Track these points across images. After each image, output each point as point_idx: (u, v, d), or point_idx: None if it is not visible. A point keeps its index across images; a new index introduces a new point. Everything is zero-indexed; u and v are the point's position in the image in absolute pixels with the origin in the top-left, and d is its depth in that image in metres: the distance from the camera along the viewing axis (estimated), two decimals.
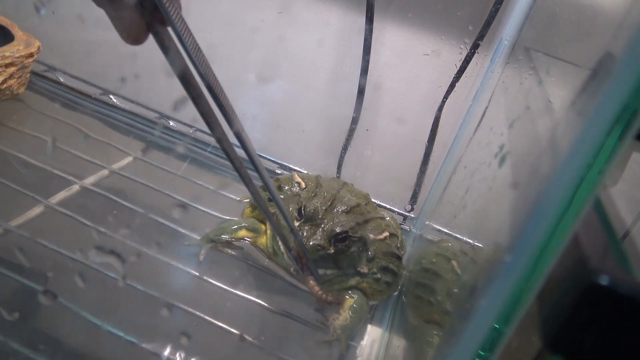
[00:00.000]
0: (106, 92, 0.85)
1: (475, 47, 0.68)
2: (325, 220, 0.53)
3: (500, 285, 0.22)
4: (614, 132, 0.19)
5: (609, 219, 0.23)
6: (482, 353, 0.24)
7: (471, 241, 0.44)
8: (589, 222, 0.23)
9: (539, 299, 0.22)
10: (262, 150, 0.84)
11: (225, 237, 0.60)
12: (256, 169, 0.44)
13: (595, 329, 0.19)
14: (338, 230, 0.53)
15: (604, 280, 0.18)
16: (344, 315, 0.55)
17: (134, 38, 0.32)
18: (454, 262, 0.53)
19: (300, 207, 0.54)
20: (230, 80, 0.83)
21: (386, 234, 0.59)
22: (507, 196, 0.32)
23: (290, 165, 0.83)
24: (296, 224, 0.54)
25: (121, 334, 0.48)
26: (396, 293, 0.62)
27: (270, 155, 0.83)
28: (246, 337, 0.52)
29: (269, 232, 0.59)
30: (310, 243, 0.52)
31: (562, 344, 0.19)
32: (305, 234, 0.52)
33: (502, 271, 0.22)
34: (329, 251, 0.52)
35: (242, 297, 0.56)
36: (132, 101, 0.84)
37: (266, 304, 0.56)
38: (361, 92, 0.75)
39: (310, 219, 0.53)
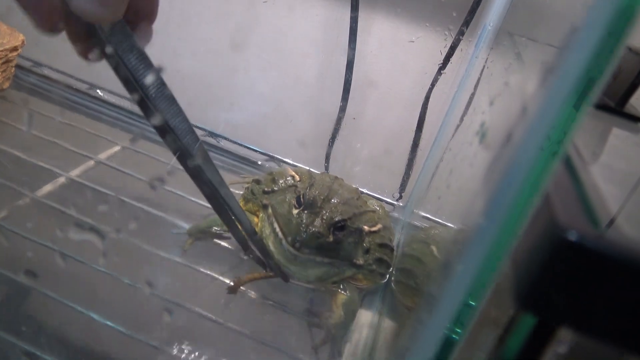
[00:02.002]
0: (93, 86, 0.84)
1: (460, 33, 0.68)
2: (324, 210, 0.53)
3: (475, 250, 0.22)
4: (573, 101, 0.19)
5: (581, 183, 0.23)
6: (458, 330, 0.24)
7: (453, 225, 0.44)
8: (560, 186, 0.23)
9: (513, 262, 0.22)
10: (249, 142, 0.84)
11: (216, 229, 0.60)
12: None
13: (565, 285, 0.19)
14: (337, 218, 0.53)
15: (572, 236, 0.19)
16: (337, 313, 0.55)
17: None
18: (433, 247, 0.54)
19: (299, 196, 0.54)
20: (219, 73, 0.83)
21: (380, 226, 0.59)
22: (485, 171, 0.32)
23: (278, 156, 0.83)
24: (295, 212, 0.54)
25: (109, 323, 0.48)
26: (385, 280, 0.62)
27: (257, 146, 0.83)
28: (241, 330, 0.52)
29: (260, 224, 0.59)
30: (311, 230, 0.52)
31: (533, 302, 0.20)
32: (304, 221, 0.53)
33: (476, 236, 0.22)
34: (328, 239, 0.52)
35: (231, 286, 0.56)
36: (119, 95, 0.83)
37: (260, 297, 0.56)
38: (348, 81, 0.75)
39: (309, 207, 0.53)
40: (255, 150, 0.83)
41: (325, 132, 0.81)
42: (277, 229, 0.55)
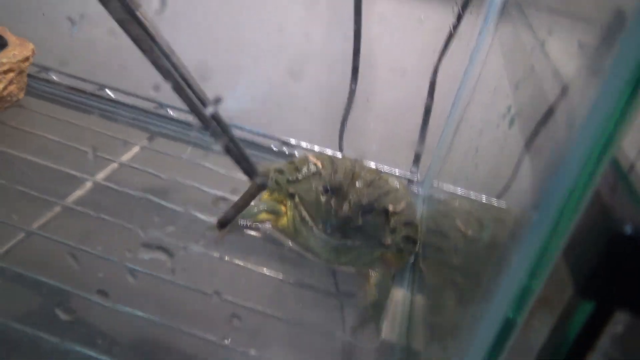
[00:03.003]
0: (102, 86, 0.85)
1: (465, 6, 0.68)
2: (350, 194, 0.55)
3: (528, 243, 0.24)
4: (630, 91, 0.20)
5: (626, 175, 0.25)
6: (511, 315, 0.26)
7: (482, 199, 0.46)
8: (608, 178, 0.24)
9: (566, 254, 0.23)
10: (263, 129, 0.84)
11: (244, 221, 0.61)
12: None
13: (622, 274, 0.21)
14: (365, 201, 0.55)
15: (627, 230, 0.20)
16: (371, 293, 0.57)
17: None
18: (457, 221, 0.56)
19: (326, 184, 0.56)
20: (227, 64, 0.83)
21: (403, 204, 0.61)
22: (520, 156, 0.34)
23: (293, 141, 0.84)
24: (322, 198, 0.56)
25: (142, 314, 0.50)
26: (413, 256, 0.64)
27: (271, 132, 0.84)
28: (277, 315, 0.54)
29: (289, 213, 0.61)
30: (340, 216, 0.54)
31: (592, 290, 0.21)
32: (333, 207, 0.54)
33: (529, 230, 0.24)
34: (357, 222, 0.54)
35: (272, 278, 0.58)
36: (129, 93, 0.84)
37: (291, 280, 0.58)
38: (356, 61, 0.76)
39: (336, 192, 0.55)
40: (268, 137, 0.84)
41: (337, 112, 0.82)
42: (307, 217, 0.57)
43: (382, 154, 0.82)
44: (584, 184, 0.22)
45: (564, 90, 0.28)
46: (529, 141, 0.32)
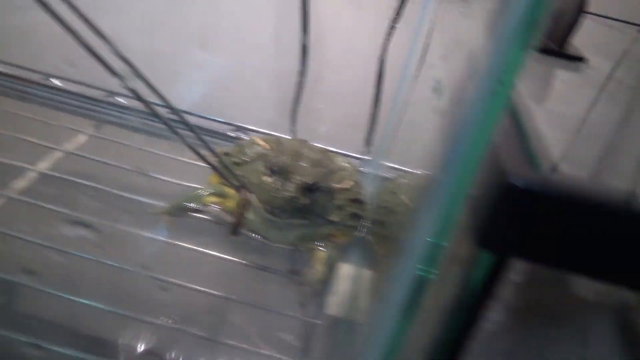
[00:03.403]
0: (48, 75, 0.83)
1: None
2: (295, 174, 0.56)
3: (434, 199, 0.25)
4: (517, 45, 0.21)
5: (525, 130, 0.26)
6: (428, 269, 0.27)
7: (419, 172, 0.47)
8: (507, 136, 0.25)
9: (471, 208, 0.25)
10: (215, 114, 0.84)
11: (192, 205, 0.61)
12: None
13: (515, 224, 0.22)
14: (309, 181, 0.56)
15: (517, 182, 0.21)
16: (318, 269, 0.58)
17: None
18: (403, 196, 0.57)
19: (269, 164, 0.56)
20: (174, 49, 0.82)
21: (350, 182, 0.62)
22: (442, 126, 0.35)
23: (246, 126, 0.84)
24: (267, 179, 0.56)
25: (101, 305, 0.50)
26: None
27: (224, 118, 0.84)
28: (230, 296, 0.54)
29: (236, 195, 0.61)
30: (285, 196, 0.54)
31: (488, 240, 0.22)
32: (277, 187, 0.55)
33: (435, 187, 0.25)
34: (302, 202, 0.55)
35: (218, 257, 0.58)
36: (76, 82, 0.82)
37: (240, 260, 0.58)
38: (305, 40, 0.76)
39: (280, 173, 0.56)
40: (221, 122, 0.84)
41: (288, 96, 0.82)
42: (253, 199, 0.57)
43: (334, 135, 0.83)
44: (482, 138, 0.23)
45: (475, 59, 0.29)
46: (449, 110, 0.33)
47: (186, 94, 0.87)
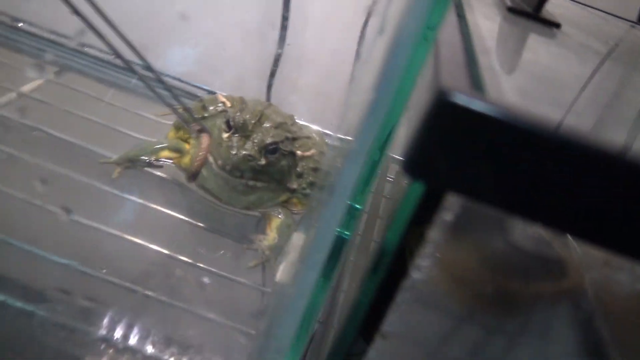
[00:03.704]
0: (15, 19, 0.79)
1: None
2: (255, 133, 0.53)
3: (354, 159, 0.22)
4: None
5: (472, 46, 0.23)
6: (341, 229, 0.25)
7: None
8: (453, 60, 0.23)
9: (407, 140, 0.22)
10: (190, 79, 0.81)
11: (145, 157, 0.58)
12: None
13: (448, 149, 0.19)
14: (269, 141, 0.52)
15: (451, 96, 0.19)
16: (271, 236, 0.55)
17: None
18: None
19: (229, 120, 0.53)
20: (156, 13, 0.79)
21: (314, 151, 0.59)
22: None
23: (220, 92, 0.81)
24: (225, 135, 0.53)
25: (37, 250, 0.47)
26: None
27: (198, 82, 0.81)
28: (174, 255, 0.52)
29: (192, 151, 0.58)
30: (241, 153, 0.51)
31: (417, 167, 0.20)
32: (235, 144, 0.52)
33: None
34: (260, 162, 0.52)
35: (166, 213, 0.55)
36: (42, 27, 0.78)
37: (192, 221, 0.55)
38: (286, 11, 0.73)
39: (239, 130, 0.53)
40: (196, 87, 0.81)
41: (266, 67, 0.79)
42: (208, 154, 0.54)
43: (310, 110, 0.80)
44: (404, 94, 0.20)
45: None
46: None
47: (163, 56, 0.84)
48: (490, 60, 0.25)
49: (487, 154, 0.19)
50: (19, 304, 0.44)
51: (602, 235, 0.19)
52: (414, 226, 0.22)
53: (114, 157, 0.58)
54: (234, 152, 0.51)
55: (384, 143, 0.25)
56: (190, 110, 0.56)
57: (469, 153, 0.19)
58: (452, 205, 0.21)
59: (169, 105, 0.55)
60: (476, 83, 0.21)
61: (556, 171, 0.19)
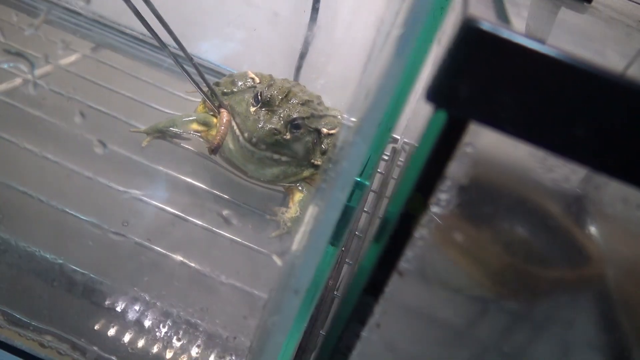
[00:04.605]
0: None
1: None
2: (282, 108, 0.54)
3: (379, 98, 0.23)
4: None
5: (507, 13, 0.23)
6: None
7: None
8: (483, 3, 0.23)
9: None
10: (220, 60, 0.83)
11: (174, 129, 0.60)
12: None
13: (472, 76, 0.20)
14: (295, 115, 0.53)
15: (480, 24, 0.19)
16: (293, 209, 0.56)
17: None
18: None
19: (257, 94, 0.54)
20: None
21: (339, 129, 0.60)
22: None
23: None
24: (252, 109, 0.54)
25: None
26: None
27: (229, 65, 0.82)
28: (200, 223, 0.53)
29: (218, 125, 0.59)
30: (267, 127, 0.52)
31: (441, 95, 0.20)
32: (261, 118, 0.53)
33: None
34: (284, 136, 0.53)
35: (191, 184, 0.56)
36: (83, 6, 0.81)
37: (218, 193, 0.57)
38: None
39: (266, 104, 0.54)
40: (226, 69, 0.83)
41: (295, 52, 0.80)
42: (235, 127, 0.55)
43: (336, 91, 0.81)
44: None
45: None
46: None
47: (196, 39, 0.85)
48: (519, 11, 0.26)
49: (510, 82, 0.20)
50: (48, 255, 0.45)
51: (619, 166, 0.19)
52: (417, 194, 0.23)
53: (144, 127, 0.60)
54: (260, 125, 0.52)
55: (391, 124, 0.26)
56: (212, 88, 0.57)
57: (493, 81, 0.20)
58: (473, 140, 0.21)
59: (194, 82, 0.56)
60: (503, 17, 0.21)
61: (579, 100, 0.19)
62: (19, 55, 0.56)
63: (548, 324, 0.33)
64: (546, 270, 0.32)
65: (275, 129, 0.52)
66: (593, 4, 0.40)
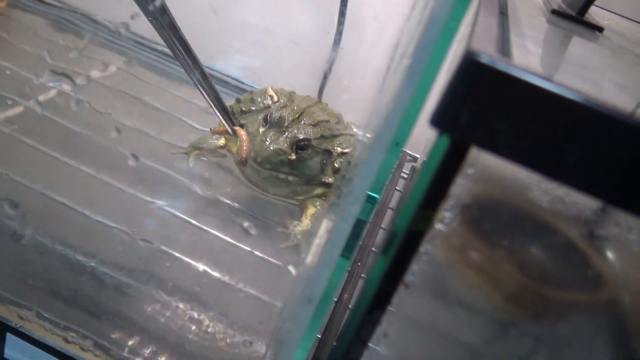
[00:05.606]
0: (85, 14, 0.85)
1: None
2: (290, 129, 0.56)
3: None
4: None
5: (508, 30, 0.25)
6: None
7: None
8: (486, 29, 0.25)
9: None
10: (246, 78, 0.86)
11: (206, 145, 0.63)
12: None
13: (473, 104, 0.22)
14: (300, 137, 0.55)
15: (480, 57, 0.21)
16: (305, 222, 0.58)
17: None
18: None
19: (267, 115, 0.57)
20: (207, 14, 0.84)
21: (353, 148, 0.61)
22: None
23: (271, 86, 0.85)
24: (261, 130, 0.56)
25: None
26: None
27: (254, 82, 0.85)
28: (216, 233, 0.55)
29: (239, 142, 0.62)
30: (272, 147, 0.54)
31: (444, 121, 0.22)
32: (268, 139, 0.55)
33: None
34: (289, 156, 0.55)
35: (216, 197, 0.59)
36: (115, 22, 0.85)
37: (239, 207, 0.59)
38: (342, 14, 0.77)
39: (275, 125, 0.56)
40: (251, 86, 0.86)
41: (319, 71, 0.83)
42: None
43: (359, 110, 0.83)
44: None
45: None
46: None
47: (223, 57, 0.89)
48: (524, 42, 0.27)
49: (507, 110, 0.21)
50: (80, 257, 0.48)
51: (609, 191, 0.21)
52: (423, 210, 0.24)
53: (184, 146, 0.63)
54: (265, 146, 0.55)
55: (401, 143, 0.28)
56: (227, 110, 0.59)
57: (491, 110, 0.21)
58: (474, 162, 0.23)
59: (210, 103, 0.58)
60: (505, 50, 0.23)
61: (569, 128, 0.21)
62: (64, 75, 0.60)
63: (557, 344, 0.33)
64: (552, 290, 0.33)
65: (280, 150, 0.54)
66: (605, 32, 0.41)
